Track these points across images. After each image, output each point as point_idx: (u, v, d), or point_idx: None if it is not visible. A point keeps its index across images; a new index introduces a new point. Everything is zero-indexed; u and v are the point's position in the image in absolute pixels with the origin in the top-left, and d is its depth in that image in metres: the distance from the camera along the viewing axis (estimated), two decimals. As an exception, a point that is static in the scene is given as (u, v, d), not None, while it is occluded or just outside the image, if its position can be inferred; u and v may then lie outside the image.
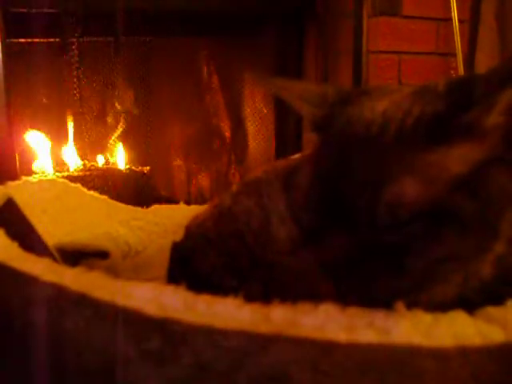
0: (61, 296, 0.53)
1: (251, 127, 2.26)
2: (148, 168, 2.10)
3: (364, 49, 1.85)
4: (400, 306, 0.48)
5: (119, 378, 0.49)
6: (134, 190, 2.03)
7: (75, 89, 1.89)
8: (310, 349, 0.44)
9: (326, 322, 0.45)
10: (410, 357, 0.44)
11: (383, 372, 0.43)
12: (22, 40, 1.73)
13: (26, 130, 1.88)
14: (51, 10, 1.62)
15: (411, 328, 0.45)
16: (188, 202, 2.09)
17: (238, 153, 2.30)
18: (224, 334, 0.45)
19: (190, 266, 0.87)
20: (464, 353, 0.45)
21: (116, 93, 2.06)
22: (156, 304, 0.48)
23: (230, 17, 1.95)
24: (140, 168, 2.10)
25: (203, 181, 2.33)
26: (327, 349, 0.44)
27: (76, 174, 1.95)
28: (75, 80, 1.87)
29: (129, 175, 2.07)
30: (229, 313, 0.47)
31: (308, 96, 0.59)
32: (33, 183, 1.02)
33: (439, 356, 0.44)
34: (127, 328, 0.49)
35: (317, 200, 0.51)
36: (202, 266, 0.86)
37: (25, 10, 1.55)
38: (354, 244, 0.48)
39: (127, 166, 2.11)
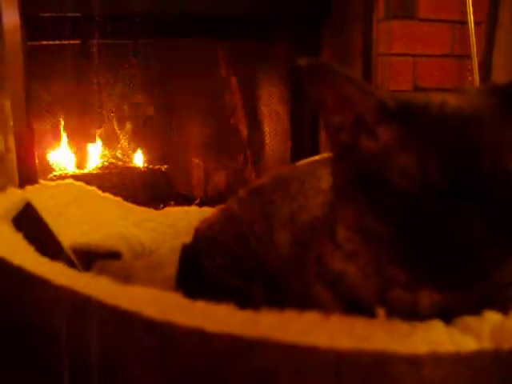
0: (70, 299, 0.58)
1: (267, 127, 2.30)
2: (166, 166, 2.15)
3: (374, 52, 1.87)
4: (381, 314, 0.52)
5: (120, 376, 0.54)
6: (152, 188, 2.09)
7: (95, 90, 1.95)
8: (294, 352, 0.48)
9: (310, 328, 0.49)
10: (385, 362, 0.47)
11: (359, 375, 0.47)
12: (44, 42, 1.79)
13: (47, 130, 1.93)
14: (71, 14, 1.66)
15: (387, 336, 0.49)
16: (205, 200, 2.15)
17: (254, 152, 2.34)
18: (214, 336, 0.49)
19: (197, 266, 0.92)
20: (436, 359, 0.48)
21: (135, 93, 2.11)
22: (155, 308, 0.53)
23: (248, 20, 1.98)
24: (158, 166, 2.15)
25: (220, 179, 2.38)
26: (309, 353, 0.48)
27: (95, 172, 2.00)
28: (95, 81, 1.93)
29: (147, 173, 2.12)
30: (221, 317, 0.51)
31: (369, 88, 0.59)
32: (50, 187, 1.07)
33: (412, 361, 0.48)
34: (128, 329, 0.53)
35: (442, 183, 0.51)
36: (209, 267, 0.90)
37: (46, 14, 1.60)
38: (489, 221, 0.50)
39: (145, 165, 2.16)
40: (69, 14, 1.67)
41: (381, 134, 0.57)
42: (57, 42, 1.83)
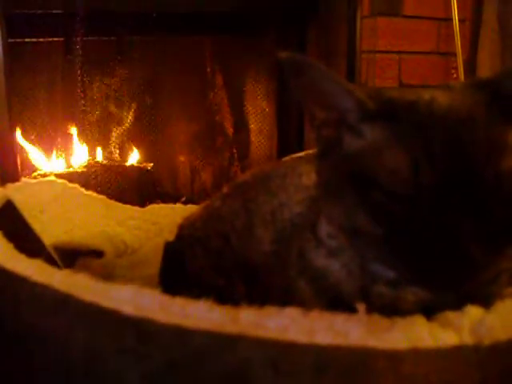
0: (48, 296, 0.57)
1: (253, 124, 2.30)
2: (151, 164, 2.14)
3: (358, 48, 1.88)
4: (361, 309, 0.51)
5: (99, 373, 0.53)
6: (138, 187, 2.07)
7: (79, 87, 1.93)
8: (272, 349, 0.47)
9: (289, 325, 0.49)
10: (365, 358, 0.47)
11: (339, 371, 0.47)
12: (27, 40, 1.77)
13: (30, 128, 1.92)
14: (55, 11, 1.65)
15: (367, 331, 0.49)
16: (191, 198, 2.14)
17: (240, 150, 2.33)
18: (192, 333, 0.48)
19: (180, 265, 0.91)
20: (416, 354, 0.48)
21: (120, 91, 2.09)
22: (133, 305, 0.52)
23: (234, 16, 1.98)
24: (143, 164, 2.14)
25: (206, 177, 2.37)
26: (288, 349, 0.47)
27: (80, 170, 1.98)
28: (79, 79, 1.91)
29: (132, 172, 2.10)
30: (199, 314, 0.51)
31: (352, 87, 0.58)
32: (32, 184, 1.06)
33: (392, 357, 0.47)
34: (106, 327, 0.53)
35: (431, 180, 0.50)
36: (191, 265, 0.90)
37: (28, 11, 1.58)
38: (479, 221, 0.49)
39: (131, 163, 2.15)
40: (52, 11, 1.66)
41: (366, 132, 0.56)
42: (40, 40, 1.81)
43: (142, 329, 0.50)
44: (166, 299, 0.53)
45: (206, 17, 1.93)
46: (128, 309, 0.52)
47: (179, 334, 0.49)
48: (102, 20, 1.79)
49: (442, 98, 0.55)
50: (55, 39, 1.82)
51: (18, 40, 1.70)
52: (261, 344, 0.47)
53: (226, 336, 0.48)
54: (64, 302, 0.56)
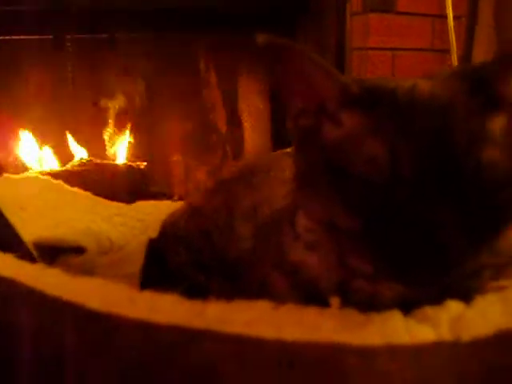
0: (13, 290, 0.55)
1: (247, 122, 2.28)
2: (145, 163, 2.12)
3: (349, 45, 1.86)
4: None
5: (67, 367, 0.51)
6: (131, 185, 2.05)
7: (70, 85, 1.91)
8: (239, 344, 0.45)
9: (257, 319, 0.47)
10: (336, 354, 0.45)
11: (308, 368, 0.45)
12: (15, 37, 1.75)
13: (19, 126, 1.90)
14: (44, 7, 1.63)
15: (339, 326, 0.47)
16: (185, 197, 2.12)
17: (234, 148, 2.32)
18: (159, 328, 0.47)
19: (162, 262, 0.89)
20: (391, 351, 0.46)
21: (112, 89, 2.08)
22: (99, 299, 0.50)
23: (226, 13, 1.96)
24: (137, 163, 2.12)
25: (200, 175, 2.35)
26: (255, 345, 0.45)
27: (72, 169, 1.96)
28: (70, 76, 1.89)
29: (125, 170, 2.09)
30: (166, 308, 0.49)
31: (335, 70, 0.55)
32: (13, 180, 1.04)
33: (365, 353, 0.45)
34: (72, 321, 0.51)
35: (413, 171, 0.48)
36: (173, 262, 0.88)
37: (17, 7, 1.57)
38: (458, 214, 0.48)
39: (124, 162, 2.13)
40: (41, 8, 1.64)
41: (345, 120, 0.54)
42: (35, 37, 1.79)
43: (108, 324, 0.49)
44: (132, 293, 0.52)
45: (198, 14, 1.91)
46: (94, 303, 0.50)
47: (146, 328, 0.47)
48: (93, 17, 1.77)
49: (422, 86, 0.53)
50: (44, 36, 1.80)
51: (7, 37, 1.69)
52: (227, 339, 0.46)
53: (193, 331, 0.46)
54: (29, 296, 0.54)
